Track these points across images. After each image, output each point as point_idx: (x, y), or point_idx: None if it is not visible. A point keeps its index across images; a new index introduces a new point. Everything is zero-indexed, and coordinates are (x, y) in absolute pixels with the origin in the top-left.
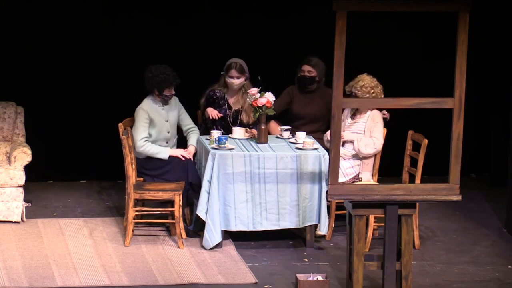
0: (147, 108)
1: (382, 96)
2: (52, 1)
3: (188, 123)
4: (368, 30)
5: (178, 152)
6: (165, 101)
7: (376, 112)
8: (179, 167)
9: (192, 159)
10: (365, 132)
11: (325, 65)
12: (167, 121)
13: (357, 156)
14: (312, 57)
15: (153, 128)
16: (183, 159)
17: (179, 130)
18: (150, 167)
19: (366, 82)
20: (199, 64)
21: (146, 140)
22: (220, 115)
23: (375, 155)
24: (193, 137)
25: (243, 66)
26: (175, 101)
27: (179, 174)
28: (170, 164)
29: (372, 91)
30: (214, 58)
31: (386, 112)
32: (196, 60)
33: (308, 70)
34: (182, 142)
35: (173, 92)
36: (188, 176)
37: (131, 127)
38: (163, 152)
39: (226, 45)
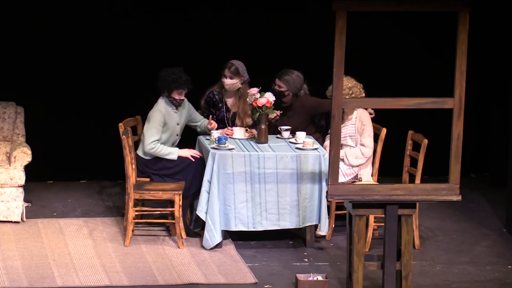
0: (164, 111)
1: (363, 95)
2: (53, 0)
3: (200, 118)
4: (368, 29)
5: (188, 153)
6: (177, 104)
7: (362, 112)
8: (190, 169)
9: (199, 157)
10: (356, 134)
11: (301, 79)
12: (178, 124)
13: None
14: (287, 70)
15: (166, 131)
16: (193, 160)
17: (190, 129)
18: (159, 167)
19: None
20: (202, 63)
21: (156, 143)
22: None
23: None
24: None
25: (238, 69)
26: (184, 102)
27: (191, 174)
28: (181, 164)
29: (351, 91)
30: (215, 57)
31: (372, 111)
32: (199, 59)
33: (278, 84)
34: (183, 142)
35: (183, 97)
36: (198, 181)
37: (131, 127)
38: (173, 153)
39: (228, 45)
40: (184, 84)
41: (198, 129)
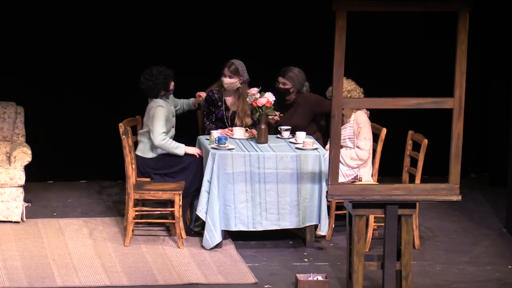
0: (165, 106)
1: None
2: (53, 0)
3: (178, 101)
4: (368, 28)
5: (195, 150)
6: (168, 95)
7: (360, 114)
8: (191, 169)
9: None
10: (354, 136)
11: (304, 75)
12: (173, 117)
13: None
14: (288, 67)
15: (167, 125)
16: (198, 157)
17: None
18: (160, 167)
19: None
20: (202, 63)
21: (166, 135)
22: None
23: (373, 155)
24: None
25: (237, 68)
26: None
27: (192, 174)
28: (182, 163)
29: (349, 94)
30: (215, 57)
31: (367, 111)
32: (199, 59)
33: (282, 81)
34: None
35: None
36: (198, 180)
37: (131, 127)
38: (181, 147)
39: (228, 45)
40: (171, 72)
41: (179, 111)
